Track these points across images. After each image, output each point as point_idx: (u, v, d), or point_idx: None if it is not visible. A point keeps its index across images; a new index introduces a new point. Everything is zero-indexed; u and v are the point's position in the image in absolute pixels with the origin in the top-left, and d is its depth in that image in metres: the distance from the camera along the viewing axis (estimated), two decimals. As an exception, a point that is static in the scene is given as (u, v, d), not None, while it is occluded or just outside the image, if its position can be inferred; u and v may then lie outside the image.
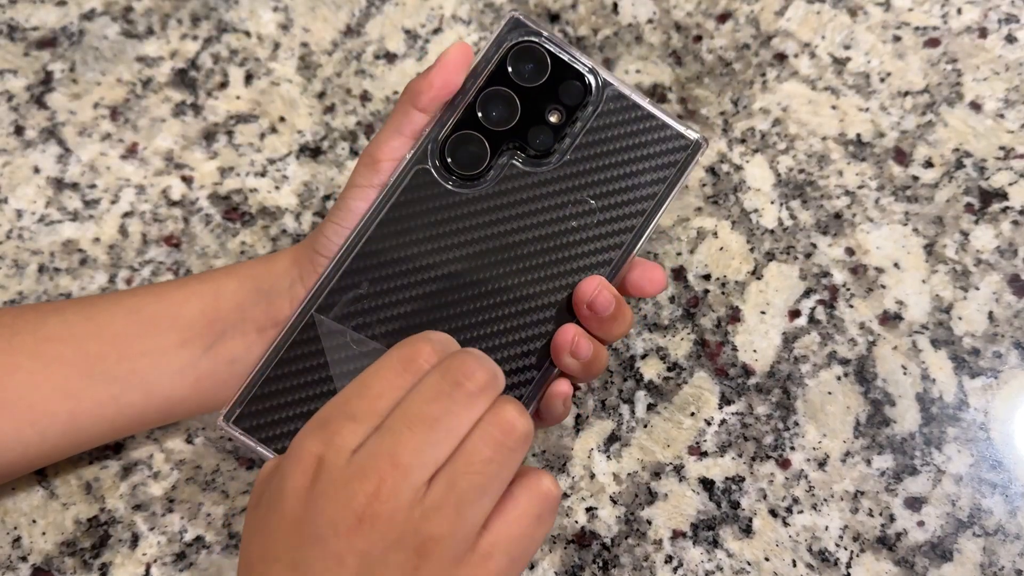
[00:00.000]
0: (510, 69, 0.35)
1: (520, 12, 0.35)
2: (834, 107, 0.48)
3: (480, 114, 0.35)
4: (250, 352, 0.37)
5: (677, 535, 0.41)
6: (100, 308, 0.38)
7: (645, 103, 0.35)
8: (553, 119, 0.35)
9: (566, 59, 0.35)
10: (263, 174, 0.48)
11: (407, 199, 0.35)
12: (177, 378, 0.37)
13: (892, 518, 0.41)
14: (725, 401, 0.43)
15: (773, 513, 0.42)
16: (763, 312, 0.45)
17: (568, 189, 0.35)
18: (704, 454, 0.43)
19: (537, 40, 0.35)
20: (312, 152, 0.48)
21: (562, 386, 0.35)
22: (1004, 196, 0.46)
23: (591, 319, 0.34)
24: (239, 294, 0.38)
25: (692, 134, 0.35)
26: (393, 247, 0.35)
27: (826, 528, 0.41)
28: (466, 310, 0.35)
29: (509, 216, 0.35)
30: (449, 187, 0.35)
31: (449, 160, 0.35)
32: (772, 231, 0.46)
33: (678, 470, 0.42)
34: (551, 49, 0.35)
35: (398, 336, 0.33)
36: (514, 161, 0.35)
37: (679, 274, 0.46)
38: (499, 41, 0.35)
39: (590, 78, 0.35)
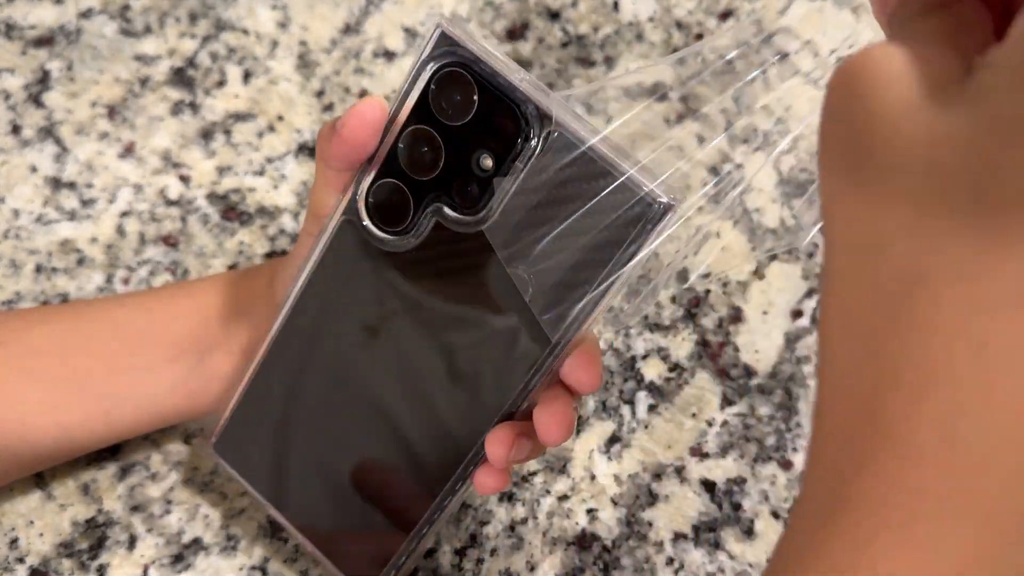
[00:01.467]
0: (432, 102, 0.28)
1: (448, 22, 0.27)
2: (836, 105, 0.48)
3: (401, 159, 0.29)
4: (238, 370, 0.37)
5: (678, 537, 0.41)
6: (86, 320, 0.37)
7: (602, 150, 0.26)
8: (483, 166, 0.28)
9: (498, 90, 0.27)
10: (261, 173, 0.48)
11: (334, 258, 0.31)
12: (169, 393, 0.37)
13: (895, 520, 0.41)
14: (727, 402, 0.43)
15: (775, 515, 0.41)
16: (765, 312, 0.45)
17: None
18: (706, 455, 0.42)
19: (464, 65, 0.27)
20: (311, 151, 0.48)
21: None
22: (1008, 195, 0.46)
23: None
24: (224, 314, 0.37)
25: (657, 196, 0.26)
26: (322, 306, 0.33)
27: (828, 530, 0.41)
28: (390, 376, 0.33)
29: (432, 280, 0.30)
30: (374, 245, 0.30)
31: (372, 213, 0.30)
32: (774, 230, 0.46)
33: (679, 471, 0.42)
34: (481, 76, 0.27)
35: (329, 392, 0.33)
36: (437, 218, 0.29)
37: (680, 274, 0.46)
38: (423, 64, 0.28)
39: (528, 112, 0.27)
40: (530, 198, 0.28)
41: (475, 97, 0.27)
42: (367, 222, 0.30)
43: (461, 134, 0.28)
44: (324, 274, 0.32)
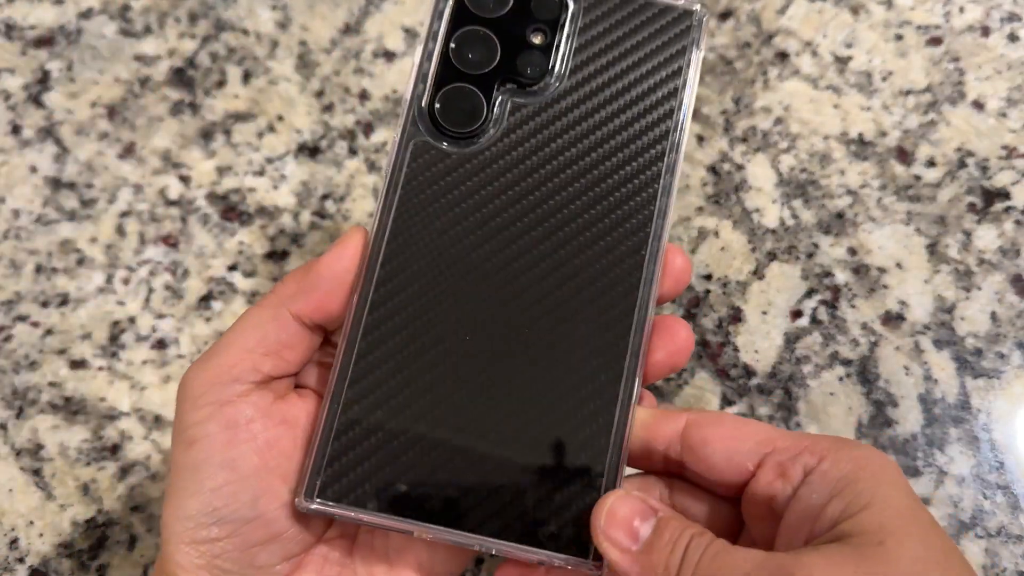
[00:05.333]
0: (470, 6, 0.31)
1: None
2: (836, 106, 0.48)
3: (457, 62, 0.31)
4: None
5: (678, 537, 0.41)
6: None
7: None
8: (538, 40, 0.31)
9: None
10: (261, 173, 0.48)
11: (416, 182, 0.30)
12: None
13: (894, 520, 0.41)
14: (727, 402, 0.43)
15: (774, 514, 0.41)
16: (765, 312, 0.45)
17: (587, 105, 0.31)
18: (705, 455, 0.42)
19: None
20: (311, 151, 0.48)
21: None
22: (1007, 196, 0.46)
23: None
24: None
25: (690, 5, 0.31)
26: (423, 236, 0.30)
27: (828, 530, 0.41)
28: (533, 259, 0.30)
29: (540, 155, 0.31)
30: (455, 150, 0.30)
31: (443, 122, 0.30)
32: (774, 231, 0.46)
33: (679, 471, 0.42)
34: None
35: (465, 328, 0.29)
36: (515, 99, 0.31)
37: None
38: None
39: None
40: (589, 48, 0.31)
41: None
42: (439, 133, 0.31)
43: (506, 22, 0.31)
44: (413, 199, 0.30)
